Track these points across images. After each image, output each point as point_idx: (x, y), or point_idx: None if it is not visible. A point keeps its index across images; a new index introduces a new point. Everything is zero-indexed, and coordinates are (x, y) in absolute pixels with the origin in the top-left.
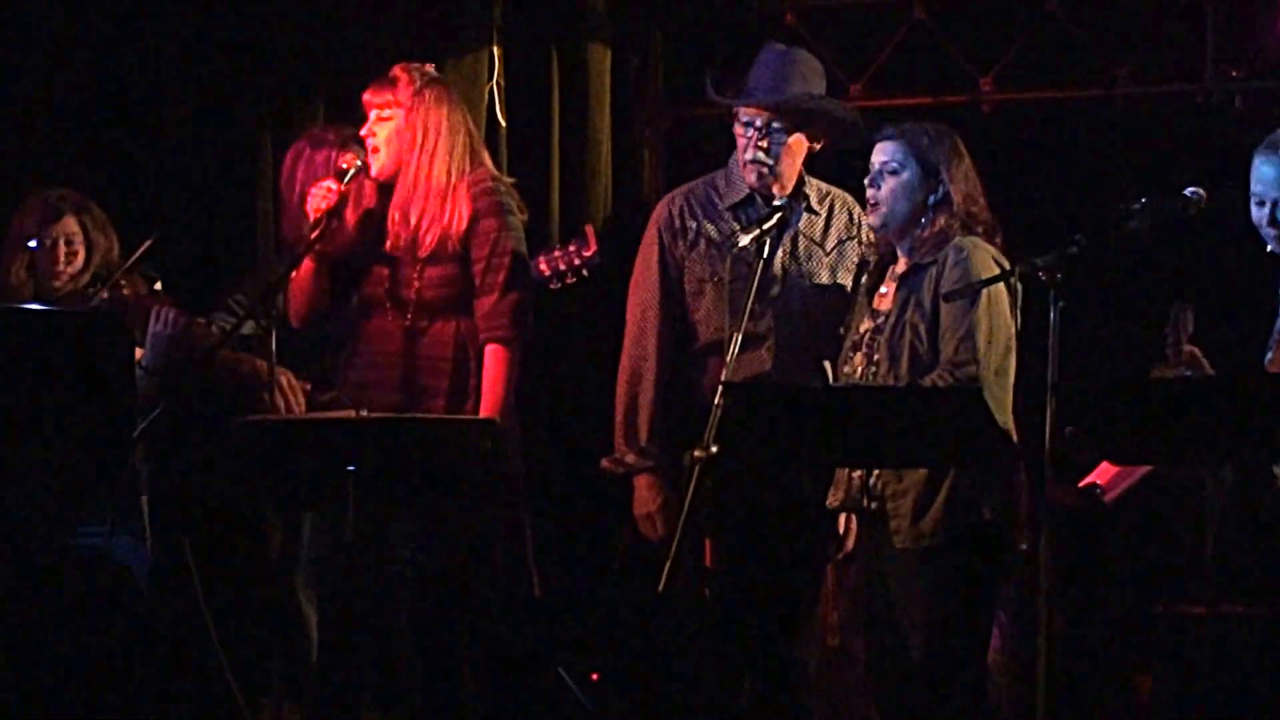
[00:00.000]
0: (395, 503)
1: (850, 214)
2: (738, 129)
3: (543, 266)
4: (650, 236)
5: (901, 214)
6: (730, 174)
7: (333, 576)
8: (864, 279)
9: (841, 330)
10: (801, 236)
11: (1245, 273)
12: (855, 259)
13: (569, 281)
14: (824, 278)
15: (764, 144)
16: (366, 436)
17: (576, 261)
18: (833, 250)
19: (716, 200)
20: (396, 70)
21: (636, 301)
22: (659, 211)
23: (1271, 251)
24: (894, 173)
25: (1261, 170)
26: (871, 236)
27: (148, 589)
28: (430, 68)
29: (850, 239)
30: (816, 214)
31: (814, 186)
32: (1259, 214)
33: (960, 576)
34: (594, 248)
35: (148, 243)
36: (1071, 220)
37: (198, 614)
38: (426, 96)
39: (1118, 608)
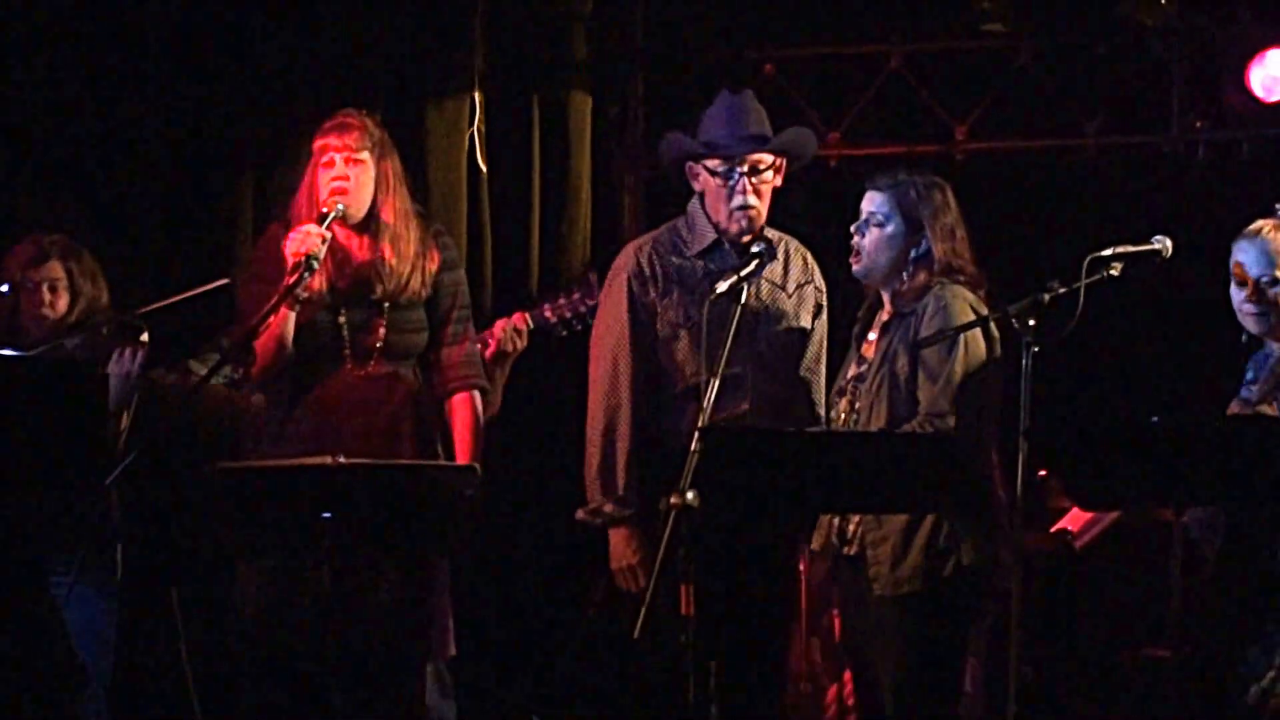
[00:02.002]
0: (373, 550)
1: (804, 258)
2: (713, 179)
3: (548, 314)
4: (618, 285)
5: (883, 265)
6: (693, 221)
7: (296, 626)
8: (854, 324)
9: (804, 372)
10: (765, 281)
11: (1209, 319)
12: (814, 302)
13: (575, 329)
14: (789, 321)
15: (758, 188)
16: (345, 483)
17: (582, 309)
18: (794, 293)
19: (683, 247)
20: (350, 117)
21: (605, 350)
22: (626, 260)
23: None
24: (879, 225)
25: (1245, 253)
26: (821, 280)
27: (116, 637)
28: (367, 112)
29: (807, 282)
30: (776, 258)
31: (769, 231)
32: (1239, 294)
33: (937, 623)
34: (597, 296)
35: (219, 282)
36: (1043, 267)
37: (176, 662)
38: (387, 141)
39: (1088, 652)
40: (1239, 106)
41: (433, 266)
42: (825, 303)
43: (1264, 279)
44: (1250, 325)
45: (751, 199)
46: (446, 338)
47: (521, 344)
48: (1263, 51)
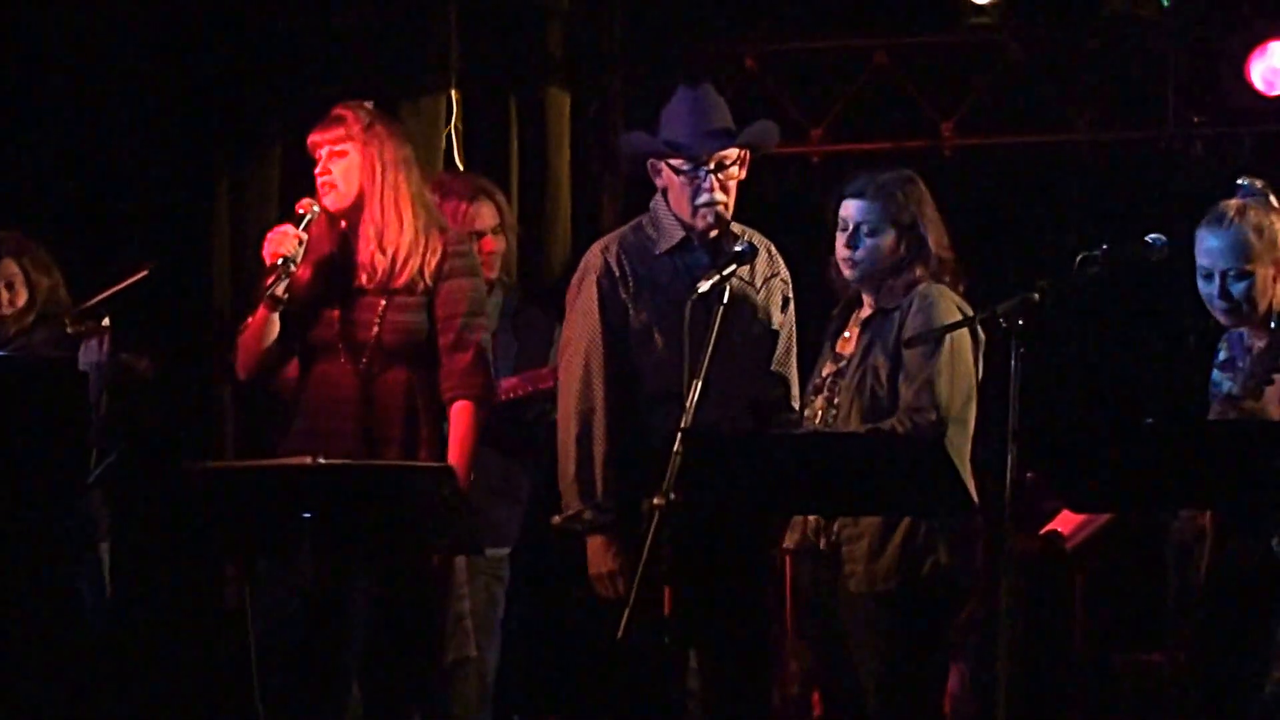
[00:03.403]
0: (353, 550)
1: (769, 252)
2: (677, 177)
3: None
4: (588, 287)
5: (880, 270)
6: (658, 219)
7: (283, 624)
8: (828, 322)
9: (777, 367)
10: (734, 278)
11: (1204, 318)
12: (780, 295)
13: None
14: (760, 317)
15: (724, 184)
16: (323, 483)
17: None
18: (761, 288)
19: (651, 247)
20: (340, 110)
21: (576, 354)
22: (594, 261)
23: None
24: (871, 234)
25: (1207, 243)
26: (786, 272)
27: (102, 637)
28: (370, 105)
29: (774, 276)
30: (758, 254)
31: (735, 226)
32: (1207, 288)
33: (914, 622)
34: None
35: (140, 274)
36: (1033, 266)
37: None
38: (378, 129)
39: (1079, 656)
40: (1239, 101)
41: (433, 259)
42: (791, 294)
43: (1231, 273)
44: (1221, 318)
45: (719, 195)
46: (446, 345)
47: None
48: (1264, 44)
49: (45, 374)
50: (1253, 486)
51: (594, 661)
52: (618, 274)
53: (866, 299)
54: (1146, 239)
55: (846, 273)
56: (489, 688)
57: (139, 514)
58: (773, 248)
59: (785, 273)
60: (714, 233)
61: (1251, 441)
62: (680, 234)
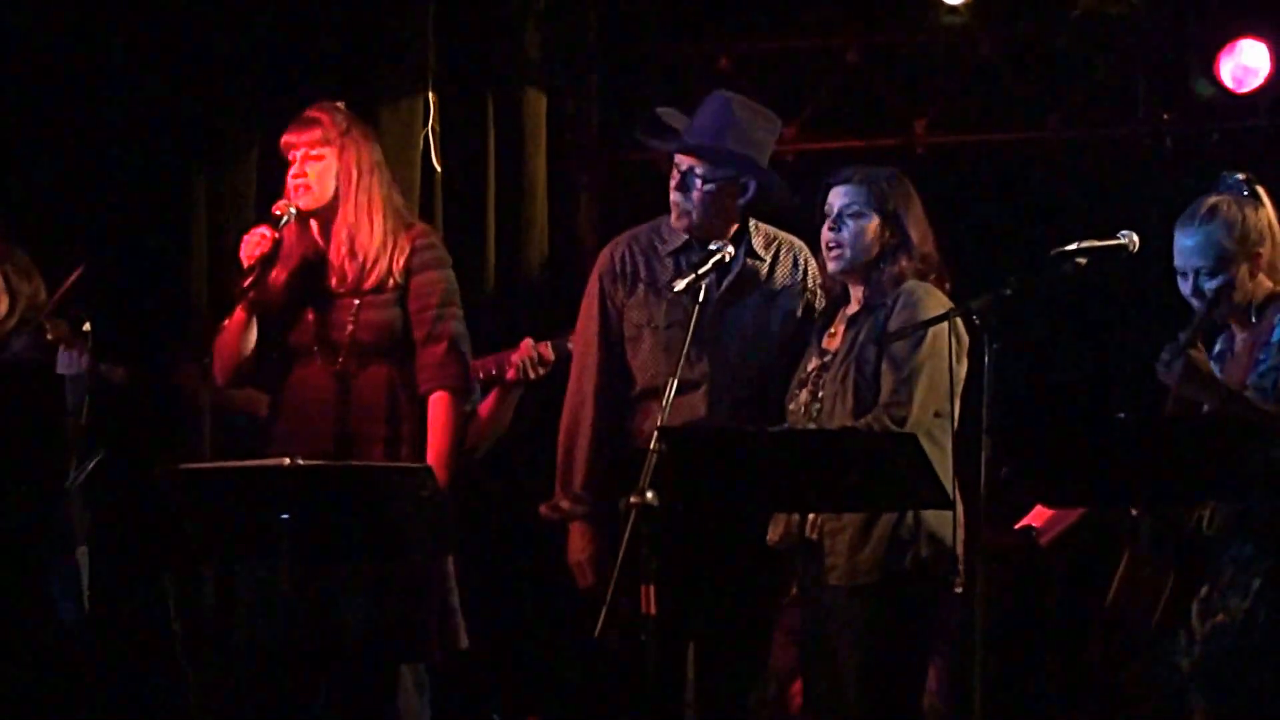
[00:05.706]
0: (331, 552)
1: (796, 260)
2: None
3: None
4: (592, 283)
5: (864, 258)
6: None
7: (262, 629)
8: (816, 319)
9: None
10: (745, 282)
11: (1176, 314)
12: (800, 306)
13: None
14: (771, 319)
15: (681, 187)
16: (300, 484)
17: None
18: (781, 292)
19: (659, 246)
20: (315, 111)
21: (577, 348)
22: (602, 258)
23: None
24: (855, 216)
25: (1181, 243)
26: (817, 282)
27: (79, 641)
28: (342, 105)
29: (794, 283)
30: (761, 259)
31: (761, 232)
32: (1185, 286)
33: (895, 615)
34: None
35: (76, 273)
36: (1005, 263)
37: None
38: (355, 134)
39: (1053, 652)
40: (1209, 98)
41: (401, 258)
42: (819, 304)
43: (1202, 272)
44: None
45: (675, 195)
46: (420, 338)
47: (542, 372)
48: (1233, 41)
49: (22, 378)
50: (1225, 483)
51: (574, 660)
52: (619, 271)
53: (854, 294)
54: (1118, 235)
55: (832, 264)
56: (425, 681)
57: (117, 518)
58: (803, 255)
59: (814, 282)
60: (708, 234)
61: (1222, 437)
62: (685, 235)
